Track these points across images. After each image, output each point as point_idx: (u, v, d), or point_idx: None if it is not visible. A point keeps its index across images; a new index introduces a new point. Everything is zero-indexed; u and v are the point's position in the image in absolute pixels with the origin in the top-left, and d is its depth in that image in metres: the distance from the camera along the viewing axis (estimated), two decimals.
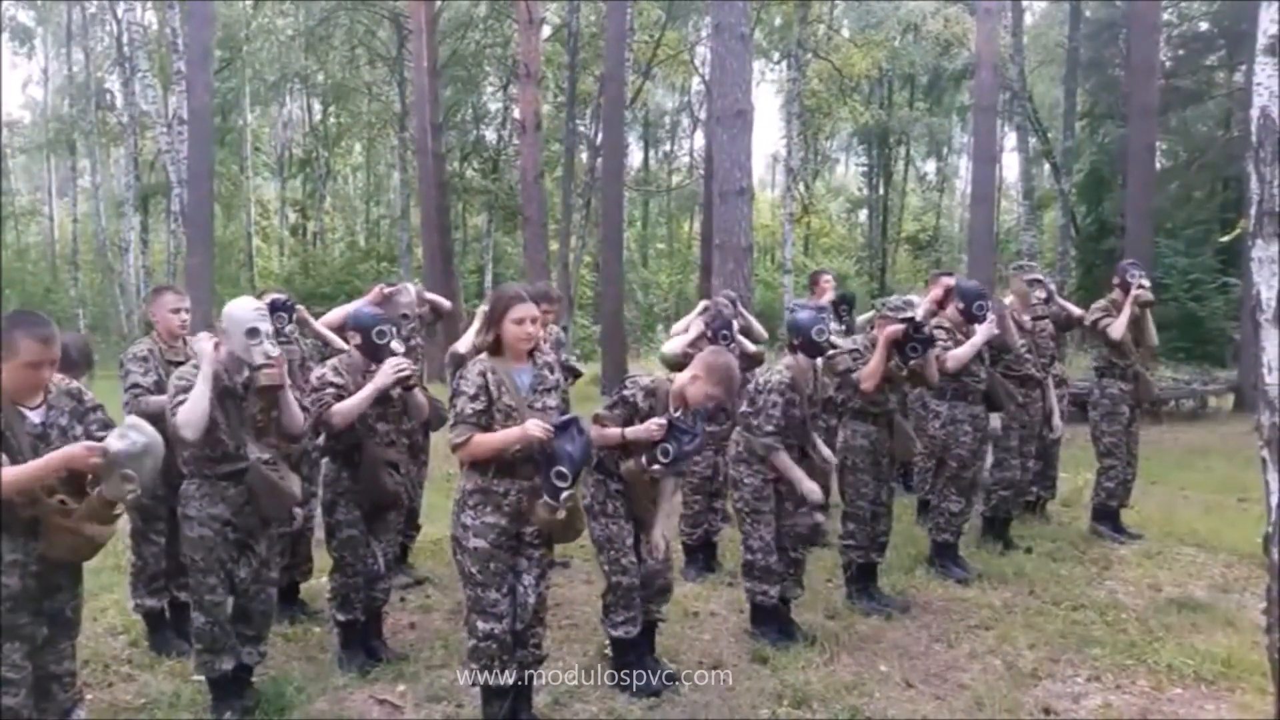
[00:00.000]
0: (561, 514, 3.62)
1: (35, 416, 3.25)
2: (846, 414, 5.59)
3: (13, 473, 3.06)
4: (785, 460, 4.88)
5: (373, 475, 4.59)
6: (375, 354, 4.63)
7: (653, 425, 4.12)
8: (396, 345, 4.66)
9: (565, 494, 3.59)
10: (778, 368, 5.06)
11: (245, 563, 4.05)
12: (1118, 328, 6.97)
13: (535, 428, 3.56)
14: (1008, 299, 6.93)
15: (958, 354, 5.83)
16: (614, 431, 4.19)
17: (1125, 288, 7.06)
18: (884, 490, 5.58)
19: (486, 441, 3.63)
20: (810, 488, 4.86)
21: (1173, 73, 18.92)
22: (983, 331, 5.89)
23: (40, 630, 3.32)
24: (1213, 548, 6.85)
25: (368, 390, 4.48)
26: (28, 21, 30.84)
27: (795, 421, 4.92)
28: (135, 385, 4.71)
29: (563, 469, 3.56)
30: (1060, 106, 25.84)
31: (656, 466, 4.14)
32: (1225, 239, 16.71)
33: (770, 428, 4.87)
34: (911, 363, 5.31)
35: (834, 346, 5.10)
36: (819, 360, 5.14)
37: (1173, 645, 4.93)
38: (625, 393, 4.30)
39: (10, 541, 3.20)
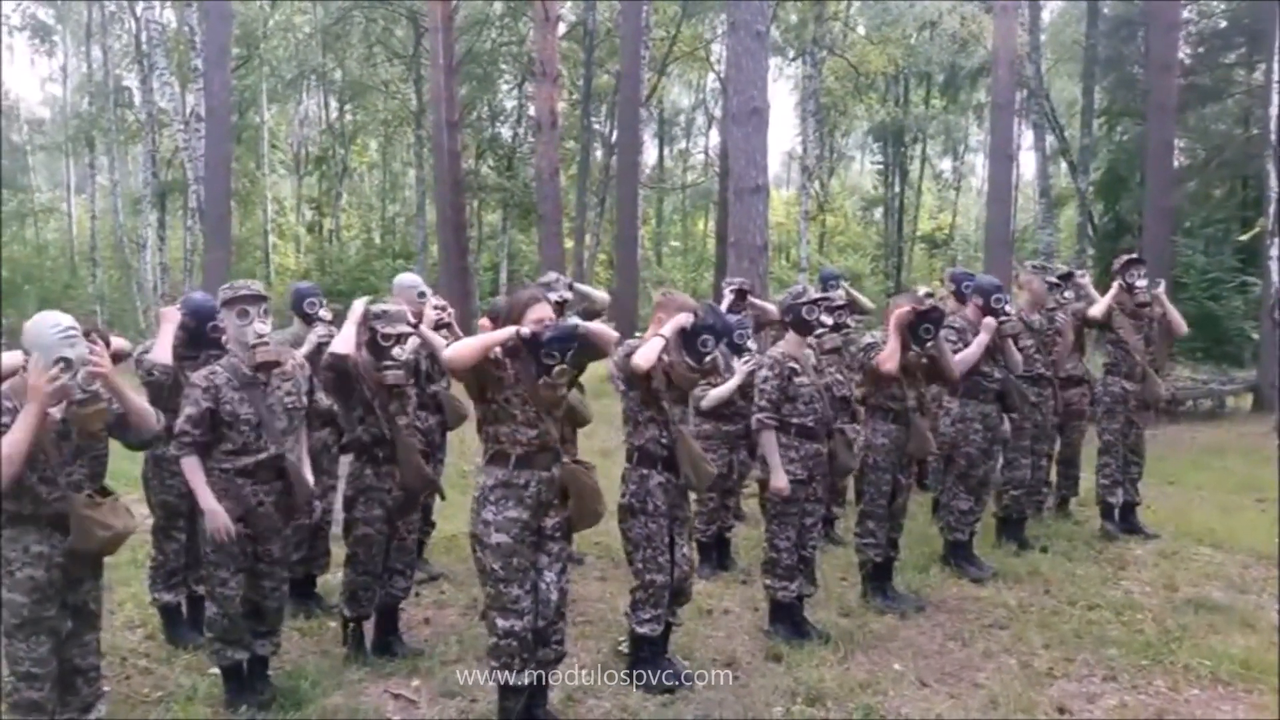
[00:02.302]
0: (565, 380, 3.70)
1: (55, 412, 3.28)
2: (868, 412, 5.61)
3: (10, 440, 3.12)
4: (770, 442, 4.92)
5: (409, 462, 4.62)
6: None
7: (681, 318, 4.22)
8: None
9: (562, 362, 3.61)
10: (773, 349, 5.17)
11: (258, 560, 4.10)
12: (1099, 307, 7.02)
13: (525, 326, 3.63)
14: (1020, 297, 6.91)
15: (964, 357, 5.80)
16: (654, 340, 4.17)
17: (1128, 289, 7.02)
18: (901, 488, 5.59)
19: (475, 340, 3.66)
20: (779, 485, 4.88)
21: (1191, 70, 18.76)
22: (985, 328, 5.87)
23: (65, 623, 3.36)
24: (1230, 548, 6.81)
25: (348, 325, 4.55)
26: (47, 19, 31.05)
27: (806, 397, 4.94)
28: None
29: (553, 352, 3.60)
30: (1078, 104, 25.71)
31: (708, 359, 4.28)
32: (1244, 237, 16.62)
33: (763, 402, 4.94)
34: (928, 345, 5.34)
35: (823, 325, 5.11)
36: (813, 339, 5.14)
37: (1189, 646, 4.90)
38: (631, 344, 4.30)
39: (37, 534, 3.26)
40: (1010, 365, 6.19)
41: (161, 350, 4.56)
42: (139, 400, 3.57)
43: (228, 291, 4.13)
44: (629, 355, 4.20)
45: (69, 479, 3.32)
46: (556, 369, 3.63)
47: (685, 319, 4.24)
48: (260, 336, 4.03)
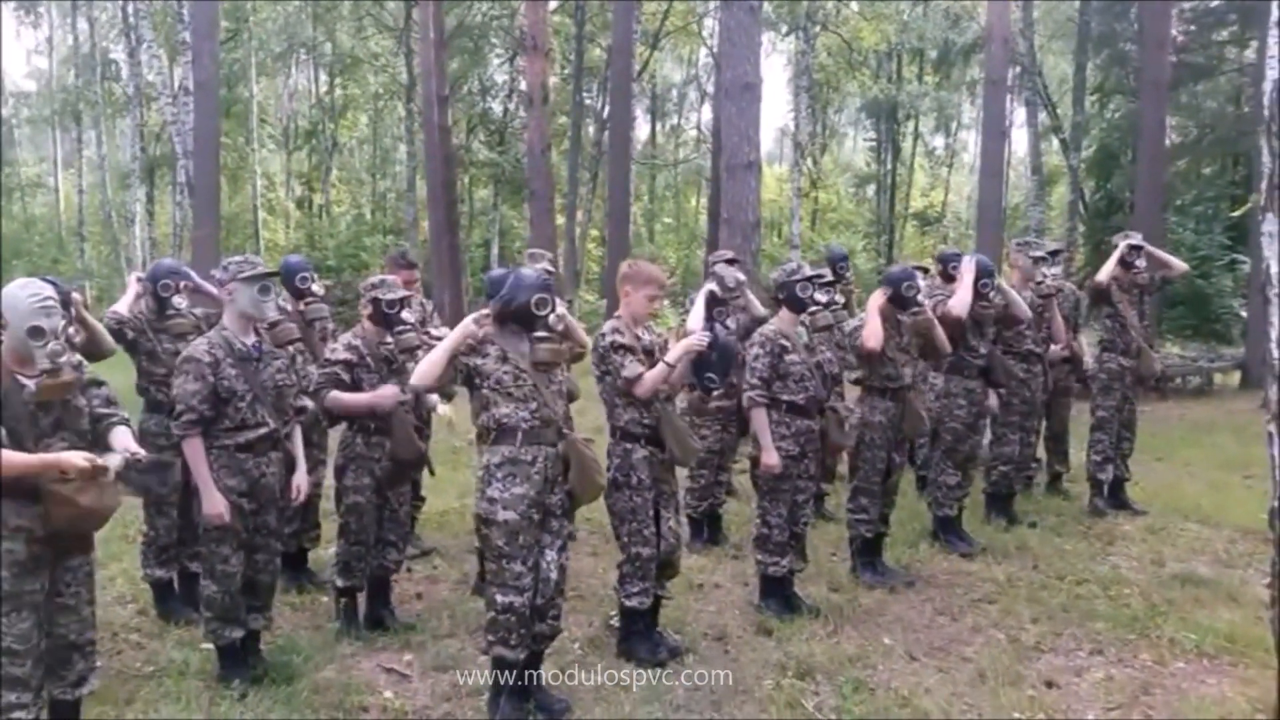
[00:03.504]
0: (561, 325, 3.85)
1: (32, 385, 3.27)
2: (864, 390, 5.62)
3: (10, 461, 3.10)
4: (761, 420, 4.91)
5: (404, 436, 4.66)
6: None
7: (693, 340, 4.23)
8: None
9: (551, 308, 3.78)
10: (765, 327, 5.15)
11: (256, 533, 4.11)
12: (1103, 273, 7.05)
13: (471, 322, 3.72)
14: (1013, 275, 6.93)
15: (956, 302, 5.82)
16: (659, 370, 4.18)
17: (1125, 265, 7.04)
18: (894, 465, 5.62)
19: (436, 354, 3.70)
20: (770, 462, 4.87)
21: (1184, 48, 18.71)
22: (967, 269, 5.87)
23: (49, 599, 3.33)
24: (1217, 523, 6.87)
25: (366, 397, 4.64)
26: None
27: (797, 374, 4.94)
28: None
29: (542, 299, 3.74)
30: (1070, 81, 25.63)
31: (715, 391, 4.26)
32: (1236, 214, 16.63)
33: (754, 379, 4.92)
34: (914, 312, 5.41)
35: (816, 303, 5.10)
36: (806, 317, 5.14)
37: (1175, 620, 4.95)
38: (611, 340, 4.27)
39: (16, 507, 3.20)
40: (1018, 316, 6.21)
41: (121, 304, 4.93)
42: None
43: (246, 266, 4.10)
44: (612, 345, 4.22)
45: (46, 450, 3.26)
46: (552, 317, 3.71)
47: (696, 343, 4.25)
48: (284, 313, 4.04)
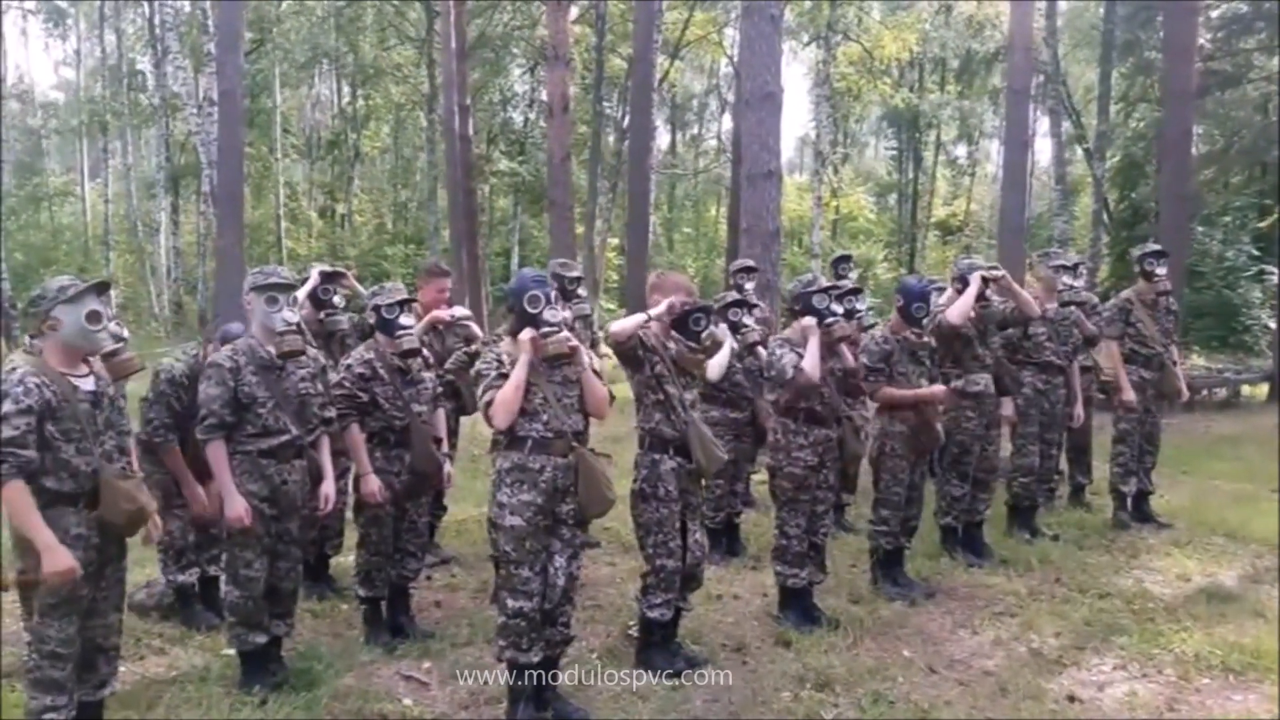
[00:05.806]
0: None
1: (86, 384, 3.38)
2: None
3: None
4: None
5: (423, 449, 4.68)
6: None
7: (670, 300, 4.25)
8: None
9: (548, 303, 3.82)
10: (781, 333, 5.17)
11: (279, 539, 4.14)
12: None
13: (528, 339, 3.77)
14: (1036, 287, 6.88)
15: (953, 311, 5.78)
16: (637, 316, 4.26)
17: (1148, 276, 7.01)
18: (916, 476, 5.58)
19: (506, 388, 3.70)
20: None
21: (1210, 55, 18.54)
22: (974, 280, 5.81)
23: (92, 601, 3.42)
24: (1243, 538, 6.78)
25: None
26: (61, 3, 31.12)
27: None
28: None
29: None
30: (1094, 90, 25.49)
31: (704, 336, 4.30)
32: (1262, 224, 16.48)
33: (782, 375, 4.87)
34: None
35: (833, 314, 5.07)
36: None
37: (1200, 635, 4.89)
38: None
39: (75, 515, 3.31)
40: (1028, 313, 6.16)
41: None
42: None
43: (259, 277, 4.17)
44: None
45: (102, 448, 3.36)
46: (548, 313, 3.76)
47: (675, 301, 4.27)
48: (288, 325, 4.07)
